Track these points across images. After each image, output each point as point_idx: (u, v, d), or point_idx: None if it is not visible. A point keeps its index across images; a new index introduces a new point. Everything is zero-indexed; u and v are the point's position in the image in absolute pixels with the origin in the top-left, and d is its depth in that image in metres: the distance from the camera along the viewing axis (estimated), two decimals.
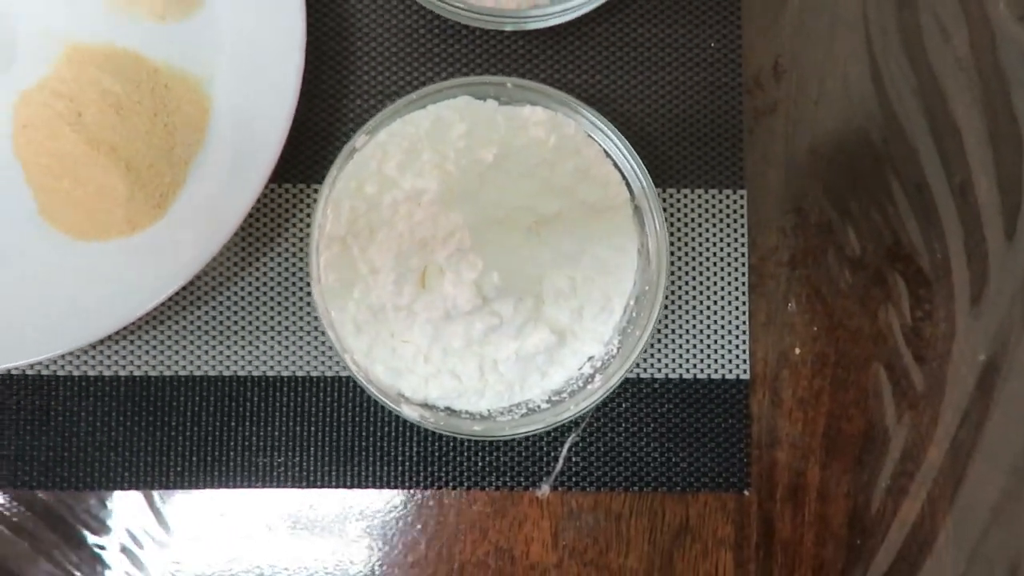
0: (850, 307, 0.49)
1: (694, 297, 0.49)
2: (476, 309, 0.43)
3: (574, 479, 0.48)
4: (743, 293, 0.49)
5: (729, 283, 0.49)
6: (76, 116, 0.45)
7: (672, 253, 0.49)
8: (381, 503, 0.48)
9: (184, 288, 0.46)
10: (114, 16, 0.47)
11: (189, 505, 0.47)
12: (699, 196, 0.49)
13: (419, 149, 0.43)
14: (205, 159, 0.46)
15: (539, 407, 0.44)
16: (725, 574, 0.48)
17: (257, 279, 0.48)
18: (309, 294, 0.47)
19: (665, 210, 0.48)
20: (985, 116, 0.50)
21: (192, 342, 0.47)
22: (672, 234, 0.49)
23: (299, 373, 0.48)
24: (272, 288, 0.48)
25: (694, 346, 0.49)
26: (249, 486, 0.47)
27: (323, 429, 0.47)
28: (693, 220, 0.49)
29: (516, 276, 0.44)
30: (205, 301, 0.48)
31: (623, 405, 0.48)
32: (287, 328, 0.48)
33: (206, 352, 0.47)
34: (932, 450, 0.49)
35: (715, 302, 0.49)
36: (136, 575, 0.47)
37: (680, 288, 0.49)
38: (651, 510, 0.48)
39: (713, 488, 0.48)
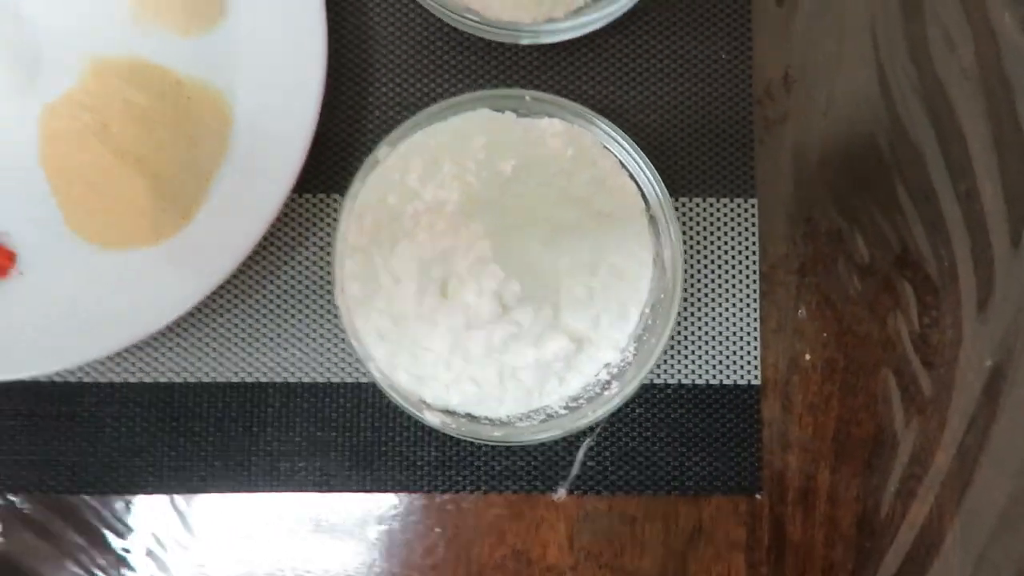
0: (859, 314, 0.50)
1: (706, 304, 0.49)
2: (496, 318, 0.43)
3: (590, 483, 0.49)
4: (754, 300, 0.49)
5: (740, 290, 0.49)
6: (102, 127, 0.45)
7: (685, 261, 0.49)
8: (401, 507, 0.49)
9: (208, 296, 0.47)
10: (138, 29, 0.47)
11: (212, 509, 0.48)
12: (711, 205, 0.50)
13: (440, 161, 0.44)
14: (228, 169, 0.47)
15: (557, 413, 0.45)
16: None
17: (279, 287, 0.48)
18: (330, 301, 0.48)
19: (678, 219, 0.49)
20: (990, 124, 0.50)
21: (215, 349, 0.48)
22: (684, 242, 0.49)
23: (320, 379, 0.48)
24: (294, 296, 0.48)
25: (706, 352, 0.49)
26: (271, 490, 0.48)
27: (343, 434, 0.48)
28: (705, 229, 0.50)
29: (535, 285, 0.44)
30: (228, 309, 0.48)
31: (637, 410, 0.49)
32: (308, 335, 0.48)
33: (229, 359, 0.48)
34: (940, 454, 0.49)
35: (727, 309, 0.49)
36: None
37: (692, 295, 0.49)
38: (665, 513, 0.49)
39: (725, 491, 0.49)
